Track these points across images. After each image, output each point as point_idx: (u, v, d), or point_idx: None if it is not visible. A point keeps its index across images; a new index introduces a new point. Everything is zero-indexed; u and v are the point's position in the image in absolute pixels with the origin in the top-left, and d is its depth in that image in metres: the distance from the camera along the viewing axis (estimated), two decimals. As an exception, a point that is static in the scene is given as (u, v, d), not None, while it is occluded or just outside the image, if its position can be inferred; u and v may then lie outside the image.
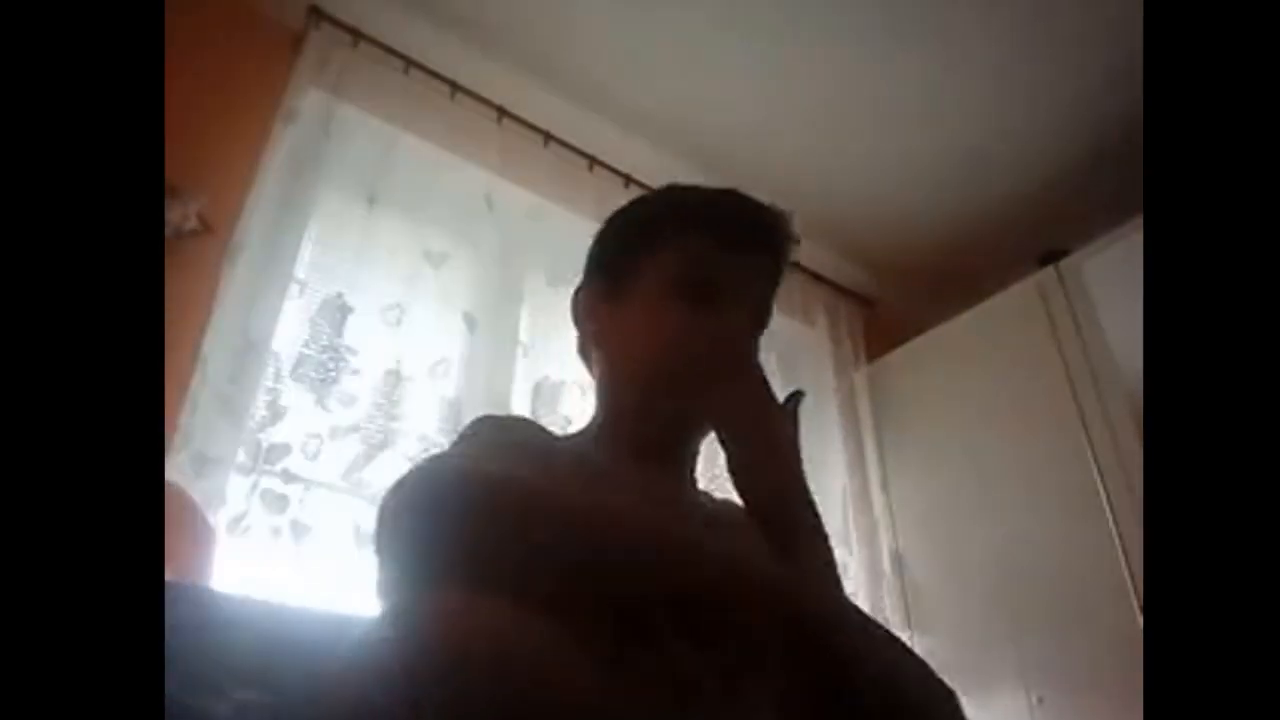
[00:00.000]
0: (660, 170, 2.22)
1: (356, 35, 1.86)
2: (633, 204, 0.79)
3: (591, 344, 0.75)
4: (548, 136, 2.10)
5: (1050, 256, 2.06)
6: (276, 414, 1.52)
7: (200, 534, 1.23)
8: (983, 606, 1.96)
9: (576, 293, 0.78)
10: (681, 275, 0.68)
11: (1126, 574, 1.65)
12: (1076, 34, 1.92)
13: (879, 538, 2.22)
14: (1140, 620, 1.60)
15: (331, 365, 1.61)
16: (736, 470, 0.62)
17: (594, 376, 0.76)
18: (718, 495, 0.76)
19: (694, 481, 0.75)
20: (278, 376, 1.55)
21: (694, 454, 0.74)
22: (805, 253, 2.41)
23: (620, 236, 0.76)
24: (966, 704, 0.54)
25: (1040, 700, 1.75)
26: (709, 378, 0.63)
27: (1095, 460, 1.78)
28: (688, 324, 0.67)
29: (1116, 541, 1.68)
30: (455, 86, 1.97)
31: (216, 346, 1.46)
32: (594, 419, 0.75)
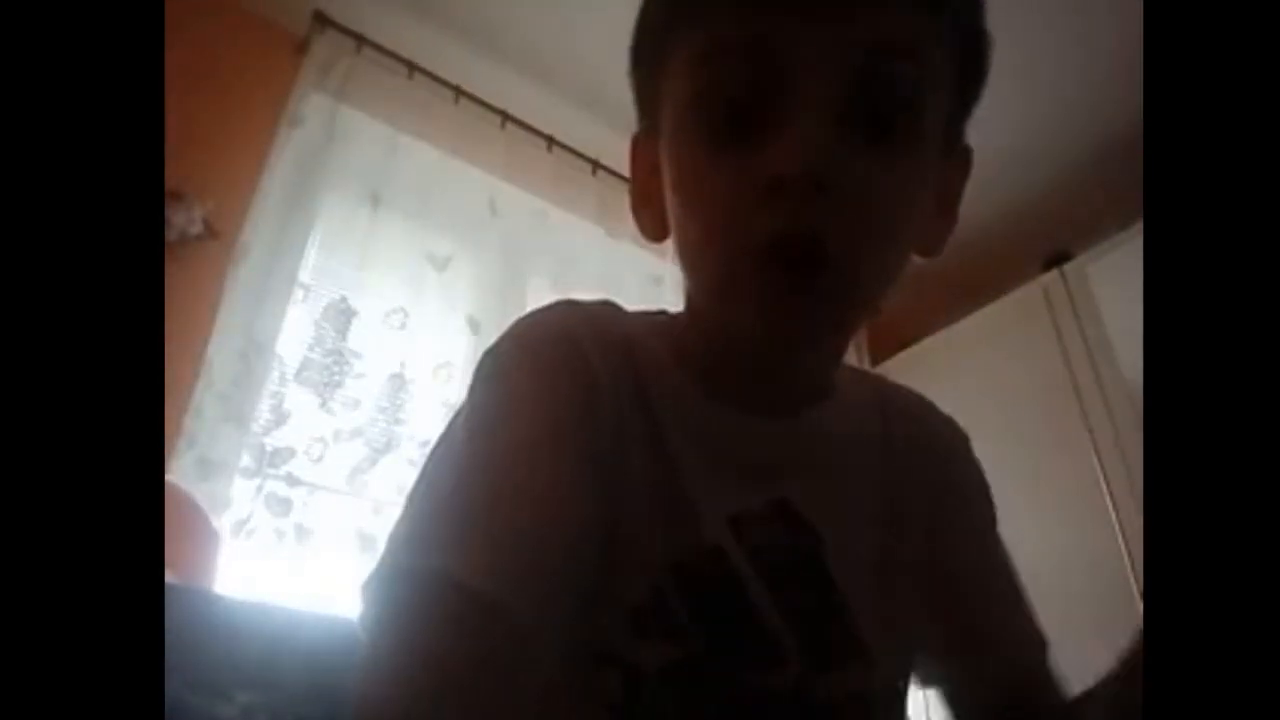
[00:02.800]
0: (663, 174, 2.23)
1: (360, 41, 1.87)
2: None
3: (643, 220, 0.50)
4: (551, 141, 2.11)
5: (1055, 260, 2.05)
6: (281, 417, 1.53)
7: (204, 537, 1.23)
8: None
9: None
10: (695, 92, 0.41)
11: (1130, 578, 1.64)
12: (1081, 34, 1.92)
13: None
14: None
15: (335, 369, 1.61)
16: None
17: None
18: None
19: (826, 391, 0.50)
20: (282, 380, 1.55)
21: (814, 372, 0.49)
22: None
23: (634, 47, 0.48)
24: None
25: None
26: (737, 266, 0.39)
27: (1100, 463, 1.77)
28: (713, 174, 0.41)
29: (1121, 544, 1.67)
30: (459, 91, 1.98)
31: (221, 350, 1.46)
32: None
